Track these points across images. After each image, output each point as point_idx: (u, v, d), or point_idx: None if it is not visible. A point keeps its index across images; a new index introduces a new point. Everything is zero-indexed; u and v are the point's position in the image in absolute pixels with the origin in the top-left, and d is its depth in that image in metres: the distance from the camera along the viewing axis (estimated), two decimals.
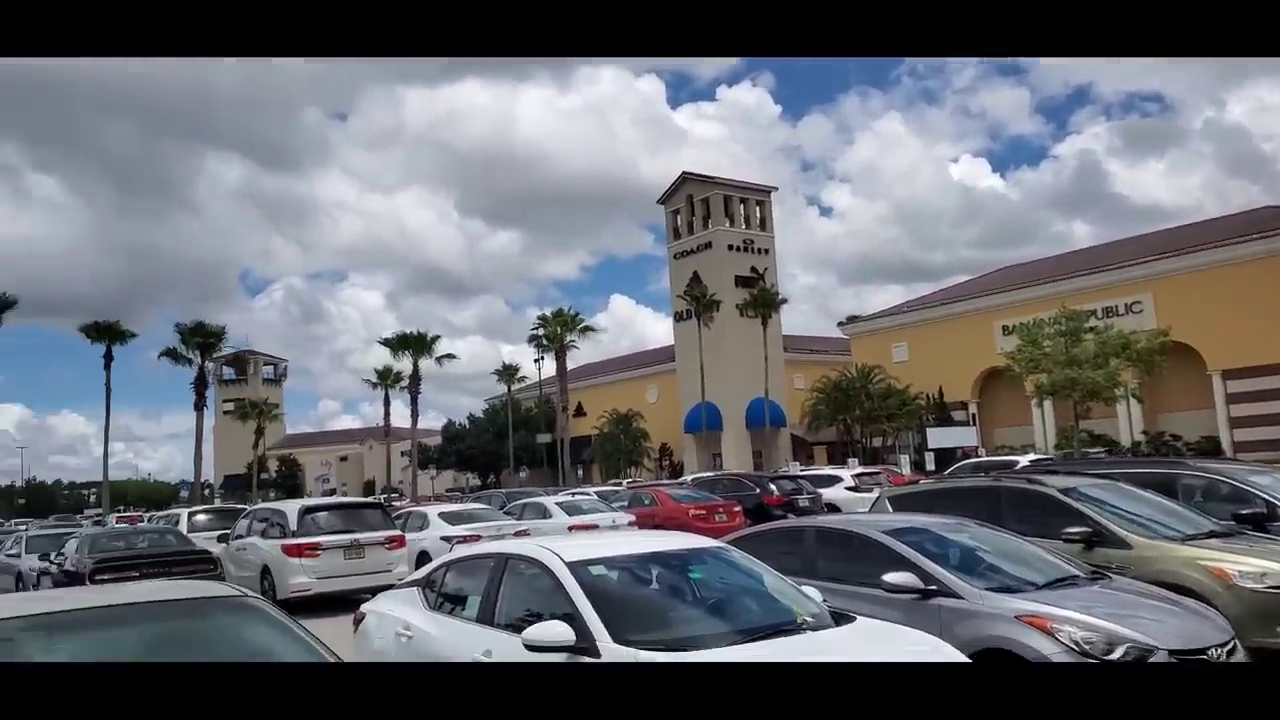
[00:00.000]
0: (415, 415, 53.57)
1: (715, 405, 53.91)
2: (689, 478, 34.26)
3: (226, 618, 4.17)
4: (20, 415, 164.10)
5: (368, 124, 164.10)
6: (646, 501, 22.04)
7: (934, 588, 6.09)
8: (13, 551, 17.80)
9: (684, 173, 61.25)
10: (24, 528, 29.08)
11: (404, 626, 6.01)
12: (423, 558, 16.05)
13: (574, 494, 24.08)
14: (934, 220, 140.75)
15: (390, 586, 13.20)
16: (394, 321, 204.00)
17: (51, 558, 14.88)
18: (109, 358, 46.47)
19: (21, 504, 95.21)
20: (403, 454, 66.66)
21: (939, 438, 38.01)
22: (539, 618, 4.79)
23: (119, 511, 50.07)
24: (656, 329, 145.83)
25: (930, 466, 36.12)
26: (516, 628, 4.90)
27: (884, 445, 51.19)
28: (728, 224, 58.83)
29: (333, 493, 69.20)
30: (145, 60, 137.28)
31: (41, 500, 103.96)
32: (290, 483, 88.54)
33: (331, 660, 3.91)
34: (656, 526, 18.16)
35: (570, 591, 4.84)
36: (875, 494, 12.21)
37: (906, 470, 34.27)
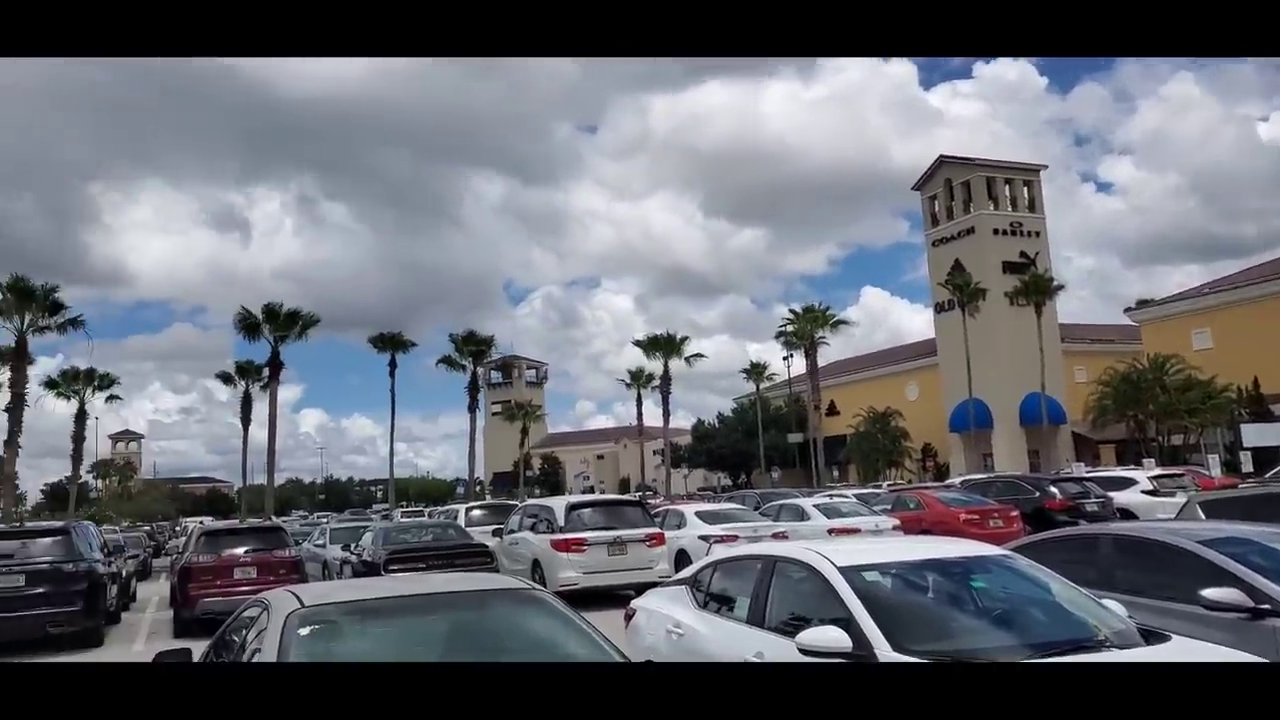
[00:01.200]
0: (667, 415, 54.81)
1: (984, 401, 50.68)
2: (957, 479, 32.56)
3: (515, 609, 4.42)
4: (319, 419, 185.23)
5: (615, 134, 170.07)
6: (911, 505, 21.13)
7: (1267, 607, 5.30)
8: (319, 542, 19.94)
9: (941, 156, 58.35)
10: (324, 520, 32.50)
11: (674, 624, 6.07)
12: (681, 556, 16.28)
13: (831, 496, 23.54)
14: (1239, 189, 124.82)
15: (652, 583, 13.68)
16: (643, 324, 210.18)
17: (351, 548, 16.47)
18: (393, 366, 51.23)
19: (321, 499, 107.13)
20: (655, 452, 68.37)
21: (1256, 435, 33.01)
22: (807, 621, 4.71)
23: (402, 506, 55.06)
24: (914, 321, 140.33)
25: (1247, 468, 31.78)
26: (786, 631, 4.87)
27: (1185, 444, 45.76)
28: (992, 207, 55.36)
29: (591, 490, 72.27)
30: (417, 92, 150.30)
31: (337, 495, 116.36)
32: (552, 480, 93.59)
33: (618, 658, 3.99)
34: (923, 532, 17.38)
35: (844, 597, 4.69)
36: (1181, 499, 10.91)
37: (1216, 472, 30.32)
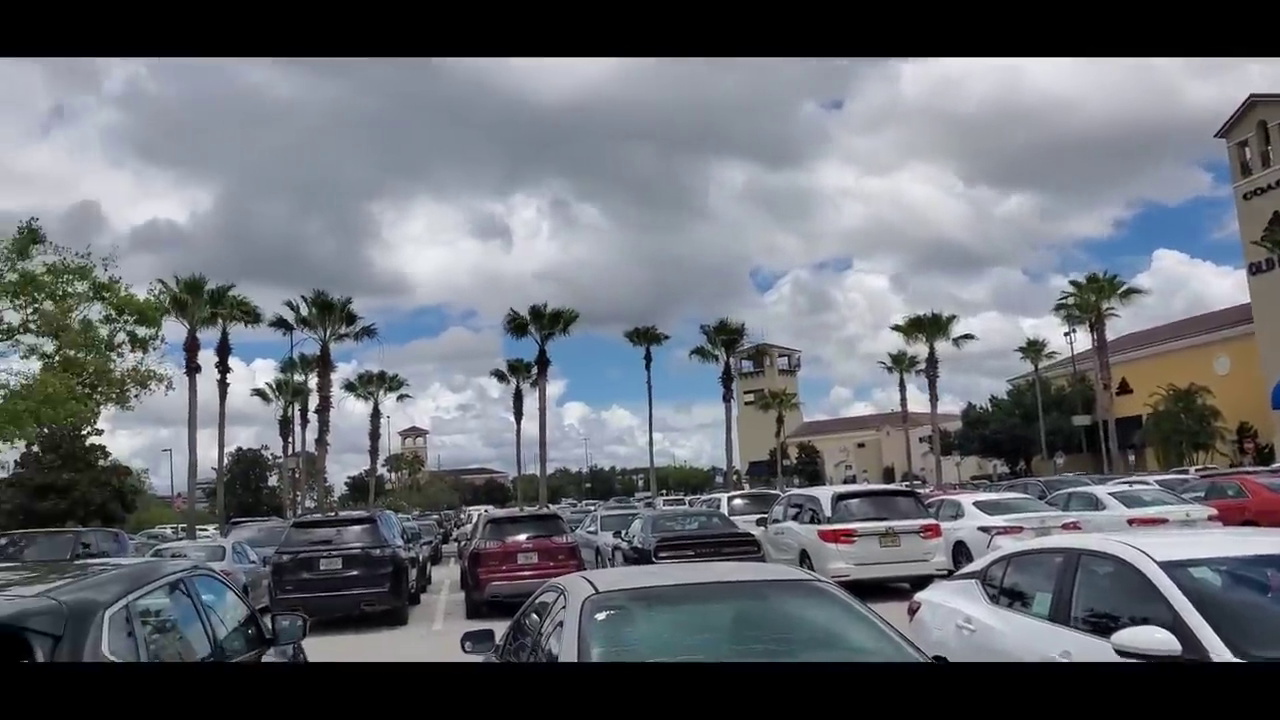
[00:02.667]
0: (934, 400, 51.98)
1: None
2: None
3: (801, 601, 4.37)
4: (582, 411, 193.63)
5: (862, 107, 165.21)
6: (1230, 492, 18.84)
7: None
8: (591, 529, 20.81)
9: (1252, 95, 50.97)
10: (593, 508, 33.92)
11: (965, 619, 5.78)
12: (959, 548, 15.53)
13: (1129, 483, 21.46)
14: None
15: (927, 577, 13.14)
16: (901, 304, 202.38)
17: (622, 535, 17.00)
18: (648, 359, 52.78)
19: (588, 487, 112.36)
20: (921, 440, 65.63)
21: None
22: (1118, 620, 4.37)
23: (663, 494, 56.57)
24: (1220, 286, 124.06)
25: None
26: (1096, 629, 4.56)
27: None
28: None
29: (853, 479, 70.67)
30: (659, 88, 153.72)
31: (601, 483, 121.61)
32: (810, 469, 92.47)
33: (914, 653, 3.76)
34: (1246, 523, 15.38)
35: (1168, 595, 4.21)
36: None
37: None
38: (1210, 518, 16.12)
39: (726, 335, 52.07)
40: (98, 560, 10.18)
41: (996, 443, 66.28)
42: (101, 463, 52.16)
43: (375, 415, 54.85)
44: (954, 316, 52.15)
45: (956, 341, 51.91)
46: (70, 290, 21.29)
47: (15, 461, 35.19)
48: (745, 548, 14.26)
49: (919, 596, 6.74)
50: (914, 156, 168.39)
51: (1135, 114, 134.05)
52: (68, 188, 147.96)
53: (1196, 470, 33.05)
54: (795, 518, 15.48)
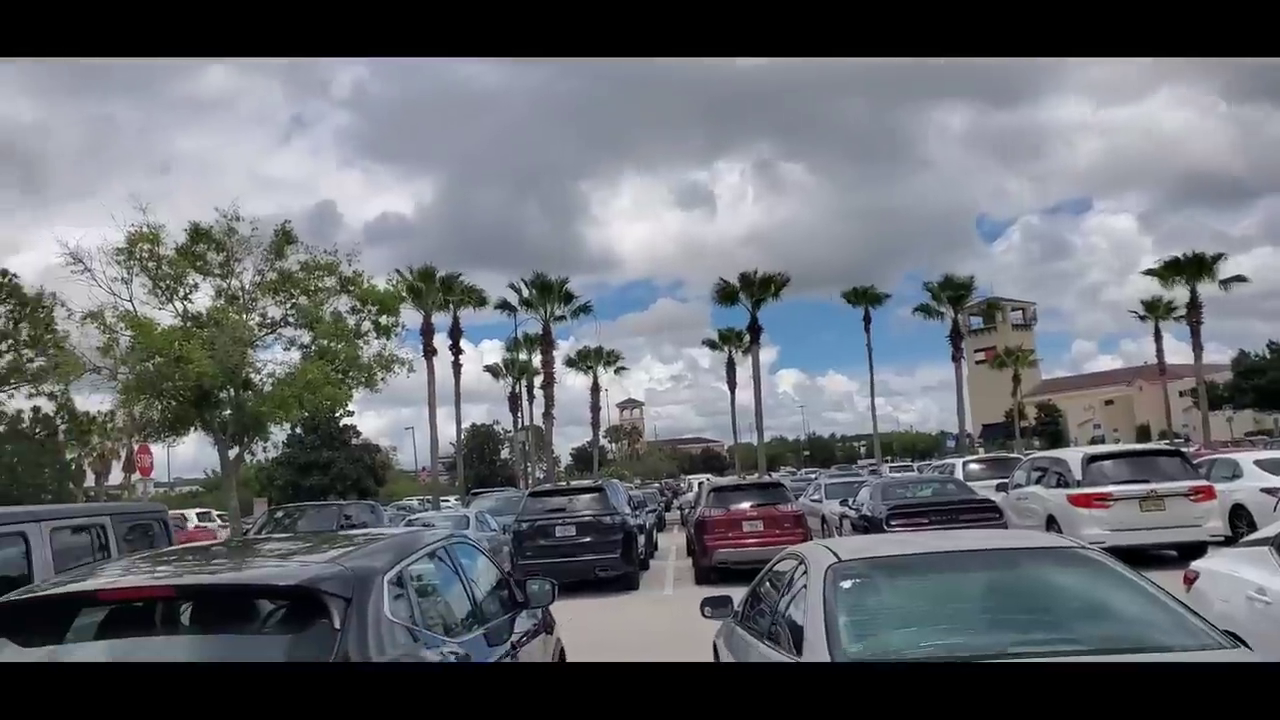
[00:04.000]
0: (1198, 349, 46.41)
1: None
2: None
3: (1063, 568, 4.09)
4: (797, 378, 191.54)
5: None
6: None
7: None
8: (815, 497, 20.52)
9: None
10: (815, 476, 33.42)
11: (1258, 590, 5.25)
12: (1238, 512, 14.14)
13: None
14: None
15: (1199, 543, 11.98)
16: (1151, 245, 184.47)
17: (849, 503, 16.63)
18: (867, 320, 51.10)
19: (806, 455, 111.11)
20: (1181, 394, 59.92)
21: None
22: None
23: (887, 461, 54.87)
24: None
25: None
26: None
27: None
28: None
29: (1101, 439, 65.70)
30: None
31: (820, 451, 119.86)
32: (1051, 430, 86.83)
33: (1201, 626, 3.40)
34: None
35: None
36: None
37: None
38: None
39: (953, 291, 49.45)
40: (361, 530, 11.16)
41: (1276, 393, 59.02)
42: (354, 441, 57.34)
43: (595, 389, 56.82)
44: (1220, 255, 46.45)
45: (1225, 284, 45.83)
46: (321, 285, 23.38)
47: (283, 443, 39.21)
48: (986, 514, 13.54)
49: (1196, 565, 6.21)
50: (1165, 79, 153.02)
51: None
52: (308, 189, 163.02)
53: None
54: (1040, 481, 14.51)
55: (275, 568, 3.89)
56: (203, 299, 23.24)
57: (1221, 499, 13.53)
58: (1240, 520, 13.75)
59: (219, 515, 35.46)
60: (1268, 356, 61.83)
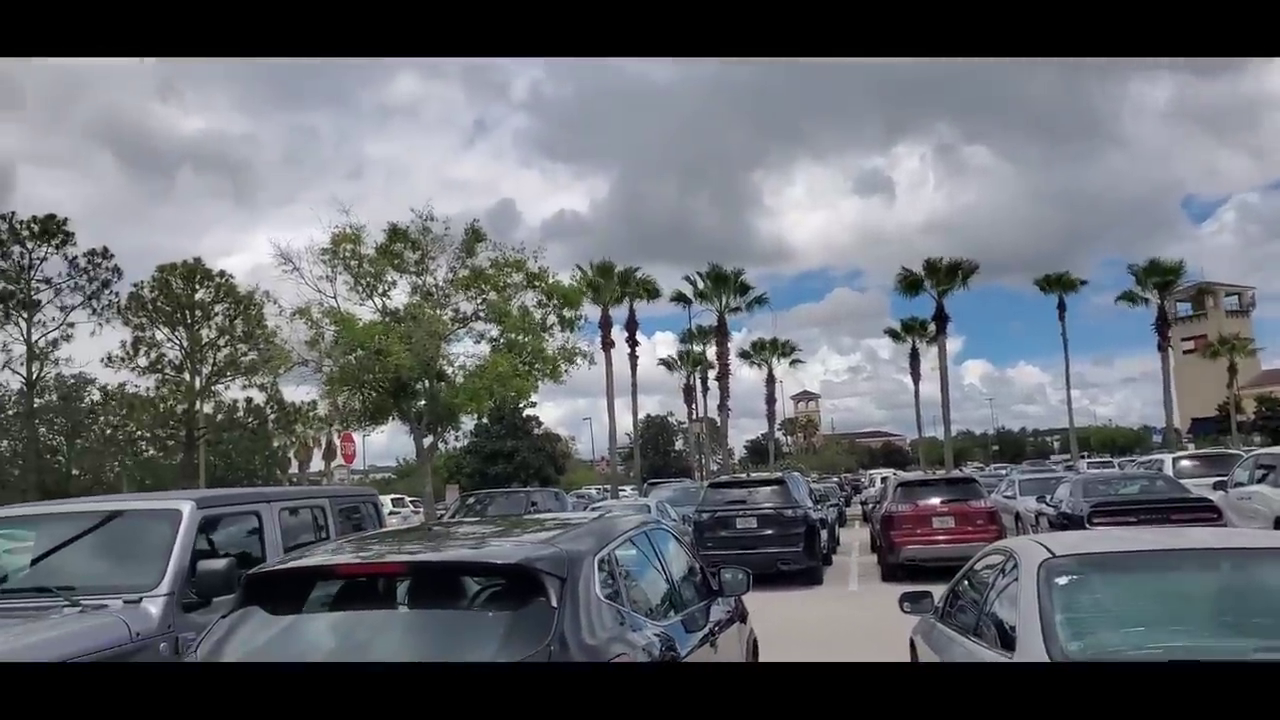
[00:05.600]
0: None
1: None
2: None
3: None
4: (983, 369, 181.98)
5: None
6: None
7: None
8: (1008, 494, 19.61)
9: None
10: (1006, 471, 31.89)
11: None
12: None
13: None
14: None
15: None
16: None
17: (1046, 500, 15.82)
18: (1061, 308, 48.15)
19: (995, 450, 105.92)
20: None
21: None
22: None
23: (1084, 456, 51.54)
24: None
25: None
26: None
27: None
28: None
29: None
30: None
31: (1010, 446, 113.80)
32: (1274, 424, 78.98)
33: None
34: None
35: None
36: None
37: None
38: None
39: (1160, 275, 45.79)
40: (550, 515, 11.60)
41: None
42: (536, 431, 59.49)
43: (770, 380, 56.31)
44: None
45: None
46: (509, 281, 24.42)
47: (470, 432, 41.20)
48: (1202, 514, 12.52)
49: None
50: None
51: None
52: (489, 189, 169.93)
53: None
54: (1266, 480, 13.31)
55: (491, 548, 4.12)
56: (400, 295, 24.76)
57: None
58: None
59: (412, 501, 37.65)
60: None
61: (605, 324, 43.26)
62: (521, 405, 38.02)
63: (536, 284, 24.56)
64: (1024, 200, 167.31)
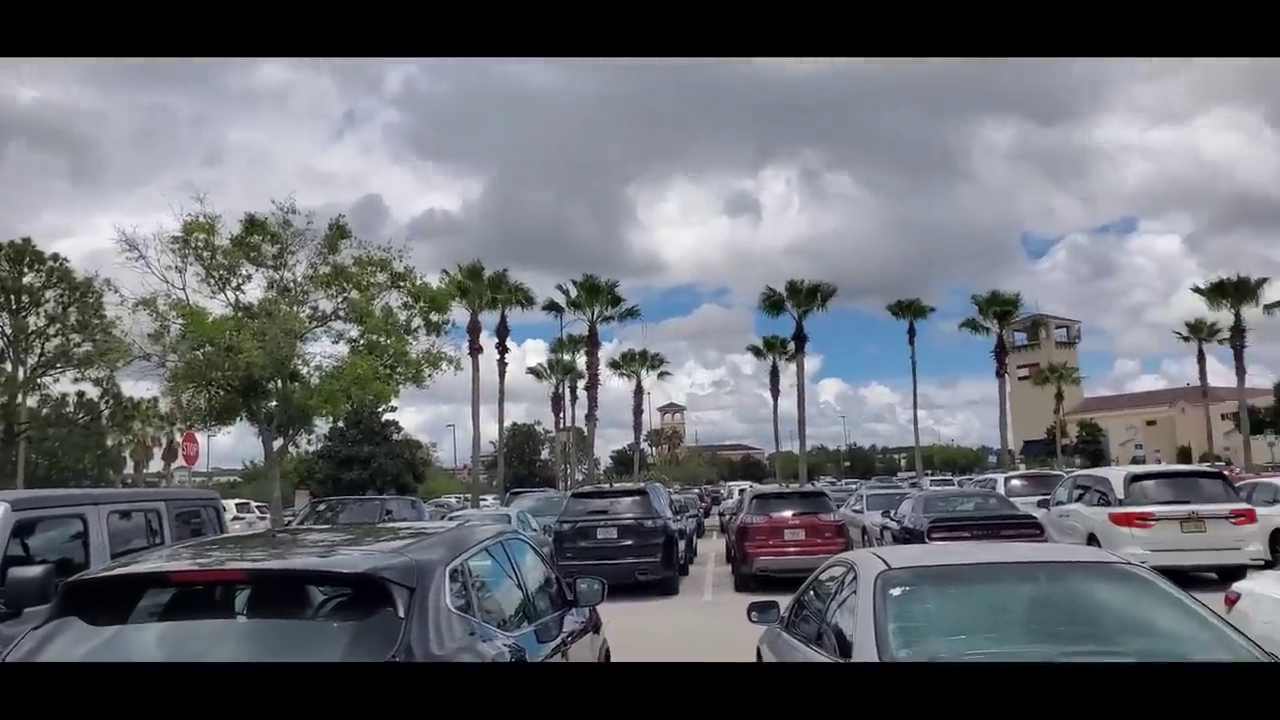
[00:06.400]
0: (1241, 372, 46.12)
1: None
2: None
3: (1109, 583, 4.14)
4: (839, 388, 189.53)
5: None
6: None
7: None
8: (856, 508, 20.44)
9: None
10: (855, 486, 33.21)
11: None
12: (1278, 536, 13.87)
13: None
14: None
15: (1238, 566, 11.82)
16: (1195, 267, 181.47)
17: (891, 515, 16.58)
18: (912, 332, 50.77)
19: (846, 466, 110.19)
20: (1224, 417, 58.77)
21: None
22: None
23: (928, 474, 54.30)
24: None
25: None
26: None
27: None
28: None
29: (1142, 460, 64.60)
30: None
31: (860, 462, 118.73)
32: (1093, 448, 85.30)
33: (1244, 644, 3.45)
34: None
35: None
36: None
37: None
38: None
39: (999, 306, 48.98)
40: (402, 524, 11.35)
41: None
42: (395, 437, 57.93)
43: (638, 392, 56.95)
44: (1265, 279, 46.19)
45: (1269, 308, 45.88)
46: (373, 280, 23.76)
47: (324, 436, 39.77)
48: (1027, 530, 13.45)
49: (1238, 586, 6.20)
50: (1213, 101, 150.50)
51: None
52: (357, 184, 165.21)
53: None
54: (1081, 499, 14.43)
55: (339, 556, 3.97)
56: (255, 290, 23.75)
57: (1262, 523, 13.45)
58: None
59: (258, 506, 36.01)
60: None
61: (474, 329, 42.72)
62: (381, 409, 37.05)
63: (402, 284, 24.03)
64: (881, 228, 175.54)
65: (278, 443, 24.29)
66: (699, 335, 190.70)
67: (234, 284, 23.37)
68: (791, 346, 50.36)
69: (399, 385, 24.20)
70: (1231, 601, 6.02)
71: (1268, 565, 11.57)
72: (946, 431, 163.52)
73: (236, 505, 35.86)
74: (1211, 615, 3.77)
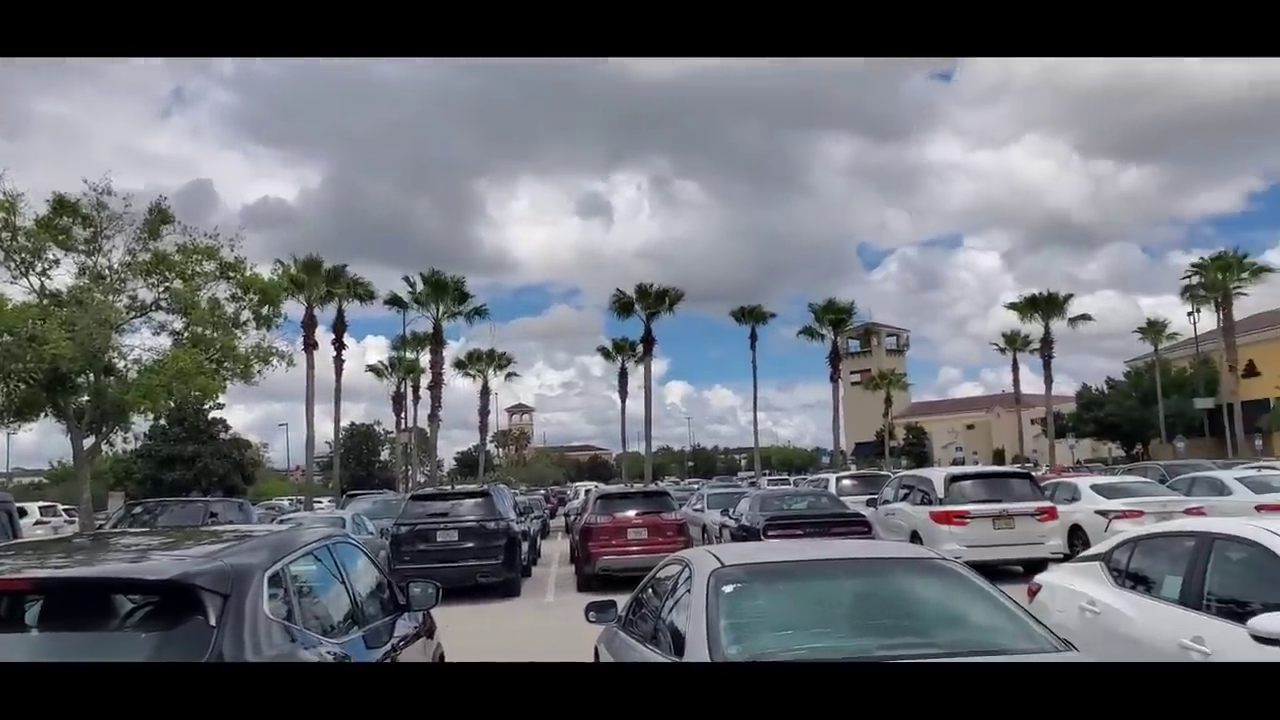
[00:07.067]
0: (1049, 381, 50.32)
1: None
2: None
3: (925, 579, 4.36)
4: (685, 390, 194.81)
5: (974, 78, 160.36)
6: None
7: None
8: (697, 507, 20.89)
9: None
10: (698, 486, 33.94)
11: (1089, 602, 5.67)
12: (1075, 531, 15.13)
13: (1259, 468, 20.36)
14: None
15: (1042, 560, 12.80)
16: (1012, 282, 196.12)
17: (729, 513, 17.02)
18: (753, 337, 52.33)
19: (690, 466, 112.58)
20: (1033, 422, 63.57)
21: None
22: (1253, 605, 4.26)
23: (766, 474, 56.20)
24: None
25: None
26: (1230, 614, 4.44)
27: None
28: None
29: (962, 461, 68.93)
30: (768, 60, 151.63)
31: (704, 462, 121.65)
32: (918, 450, 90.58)
33: (1041, 632, 3.78)
34: None
35: None
36: None
37: None
38: None
39: (834, 314, 51.34)
40: (228, 527, 10.76)
41: (1112, 426, 63.66)
42: (223, 436, 55.00)
43: (484, 392, 56.15)
44: (1070, 295, 50.83)
45: (1073, 321, 50.65)
46: (199, 269, 22.41)
47: (144, 434, 37.26)
48: (856, 528, 14.11)
49: (1039, 579, 6.63)
50: (1028, 129, 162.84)
51: (1271, 81, 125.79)
52: (185, 167, 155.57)
53: None
54: (906, 499, 15.27)
55: (147, 562, 3.76)
56: (64, 276, 21.99)
57: (1062, 519, 14.60)
58: (1078, 539, 14.74)
59: (65, 509, 33.32)
60: (1106, 391, 66.69)
61: (309, 323, 40.99)
62: (207, 406, 35.02)
63: (231, 275, 22.78)
64: (728, 236, 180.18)
65: (88, 440, 22.57)
66: (549, 336, 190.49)
67: (39, 269, 21.56)
68: (640, 349, 50.99)
69: (225, 381, 22.93)
70: (1033, 593, 6.46)
71: (1066, 558, 12.55)
72: (784, 433, 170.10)
73: (40, 509, 32.95)
74: (1015, 607, 4.05)
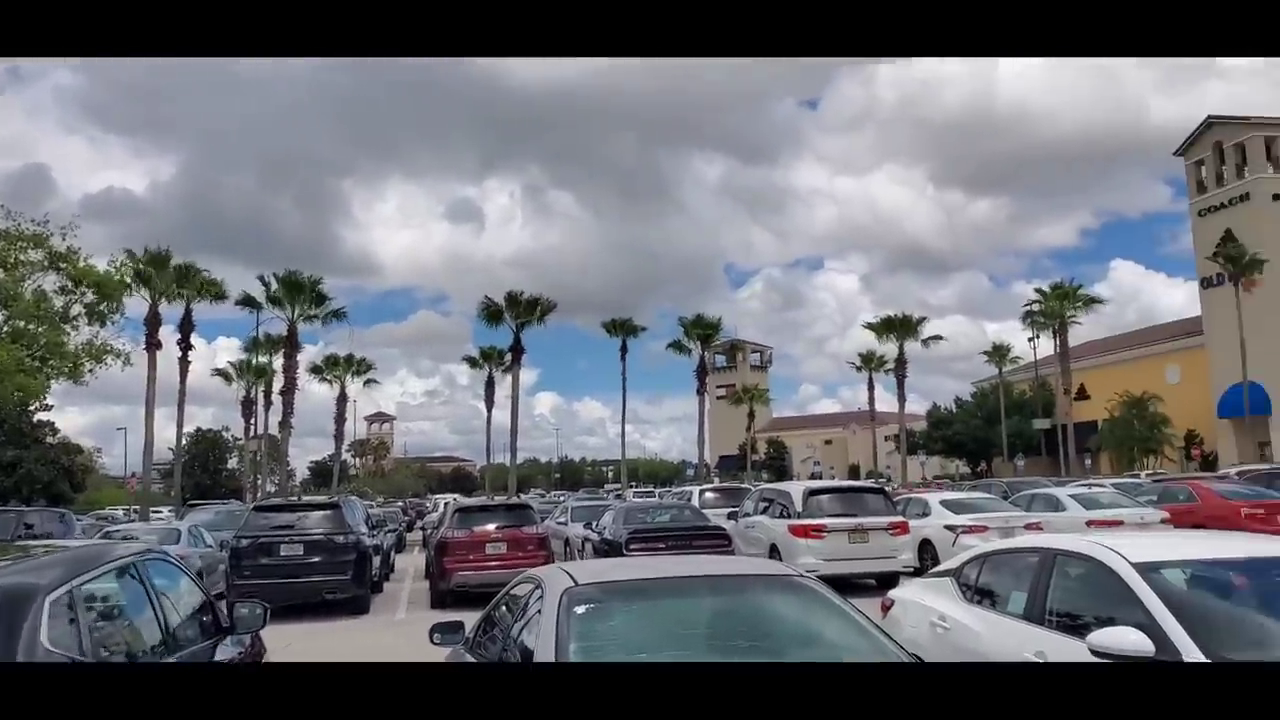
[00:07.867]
0: (902, 400, 52.58)
1: (1260, 385, 45.65)
2: (1230, 470, 29.34)
3: (783, 596, 4.29)
4: (553, 401, 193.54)
5: (839, 107, 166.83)
6: (1181, 497, 19.03)
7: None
8: (561, 520, 20.60)
9: (1210, 117, 53.26)
10: (563, 499, 33.69)
11: (939, 617, 5.76)
12: (925, 545, 15.66)
13: (1088, 485, 21.75)
14: None
15: (894, 573, 13.18)
16: (870, 304, 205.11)
17: (592, 526, 16.83)
18: (624, 350, 52.44)
19: (557, 478, 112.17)
20: (886, 438, 66.25)
21: None
22: (1092, 620, 4.37)
23: (633, 486, 56.45)
24: (1171, 298, 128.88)
25: None
26: (1070, 629, 4.54)
27: None
28: (1271, 170, 49.87)
29: (819, 476, 71.08)
30: (643, 77, 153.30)
31: (571, 474, 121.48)
32: (778, 464, 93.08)
33: (894, 650, 3.78)
34: (1196, 526, 15.58)
35: (1141, 596, 4.21)
36: None
37: None
38: (1163, 521, 16.39)
39: (703, 330, 52.08)
40: (40, 542, 9.81)
41: (959, 443, 67.21)
42: (50, 439, 51.00)
43: (341, 399, 54.09)
44: (924, 318, 53.45)
45: (926, 342, 53.20)
46: (24, 258, 20.66)
47: None
48: (717, 541, 14.15)
49: (892, 594, 6.74)
50: (887, 158, 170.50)
51: (1103, 126, 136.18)
52: (17, 149, 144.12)
53: (1147, 475, 33.96)
54: (766, 512, 15.45)
55: None
56: None
57: (913, 533, 15.07)
58: (927, 553, 15.27)
59: None
60: (954, 411, 70.46)
61: (153, 322, 38.35)
62: (32, 407, 32.38)
63: (62, 266, 21.07)
64: (600, 248, 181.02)
65: None
66: (413, 342, 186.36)
67: None
68: (509, 358, 50.29)
69: (50, 379, 21.18)
70: (886, 608, 6.54)
71: (917, 572, 12.98)
72: (652, 445, 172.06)
73: None
74: (868, 623, 4.03)
